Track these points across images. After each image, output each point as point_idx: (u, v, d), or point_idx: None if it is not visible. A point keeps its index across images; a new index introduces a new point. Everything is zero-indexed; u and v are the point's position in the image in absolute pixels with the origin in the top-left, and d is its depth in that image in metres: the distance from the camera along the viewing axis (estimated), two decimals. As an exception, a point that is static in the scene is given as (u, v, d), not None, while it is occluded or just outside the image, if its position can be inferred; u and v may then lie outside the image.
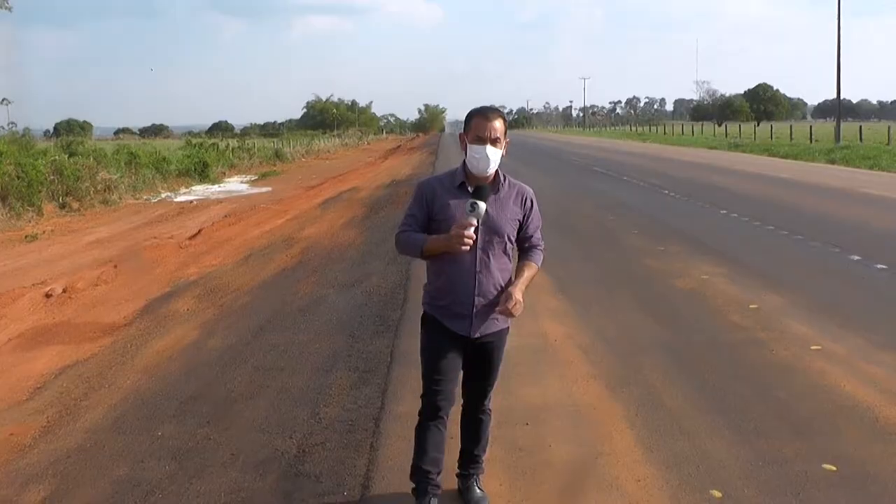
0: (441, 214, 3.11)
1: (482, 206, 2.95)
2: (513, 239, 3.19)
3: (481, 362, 3.27)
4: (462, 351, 3.20)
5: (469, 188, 3.08)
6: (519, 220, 3.19)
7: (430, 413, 3.24)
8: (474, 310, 3.12)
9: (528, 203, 3.21)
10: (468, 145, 3.09)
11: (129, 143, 36.25)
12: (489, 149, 3.04)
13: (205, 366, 5.73)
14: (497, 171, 3.13)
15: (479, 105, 3.15)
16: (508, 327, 3.30)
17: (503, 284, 3.15)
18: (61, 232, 15.11)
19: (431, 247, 3.06)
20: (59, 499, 3.74)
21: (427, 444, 3.25)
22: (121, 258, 10.85)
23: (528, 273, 3.18)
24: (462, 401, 3.39)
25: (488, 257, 3.11)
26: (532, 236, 3.26)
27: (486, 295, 3.12)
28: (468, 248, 2.97)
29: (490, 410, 3.43)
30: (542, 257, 3.27)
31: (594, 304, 7.17)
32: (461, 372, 3.26)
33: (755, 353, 5.57)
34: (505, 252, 3.16)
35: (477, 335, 3.17)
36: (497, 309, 3.08)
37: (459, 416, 3.44)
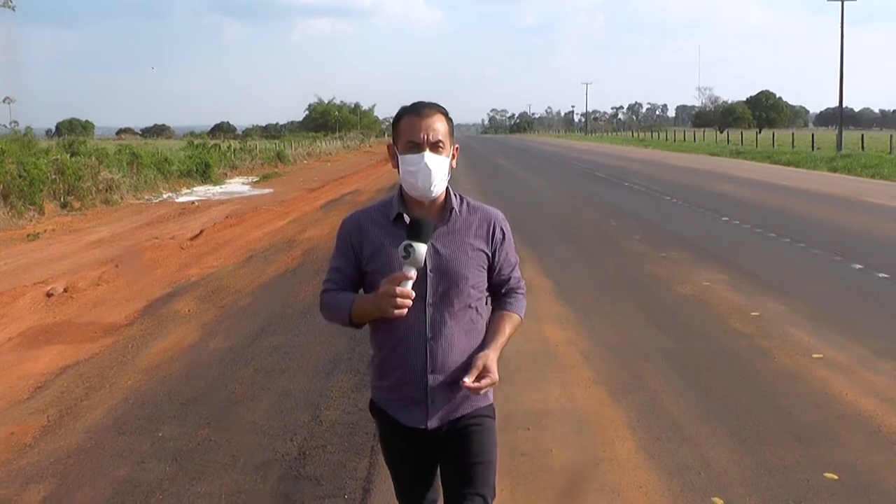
0: (373, 263, 2.23)
1: (420, 248, 2.06)
2: (480, 286, 2.28)
3: (455, 458, 2.28)
4: (427, 448, 2.30)
5: (407, 220, 2.19)
6: (486, 259, 2.27)
7: None
8: (429, 391, 2.22)
9: (498, 233, 2.29)
10: (399, 157, 2.22)
11: (131, 143, 36.26)
12: (429, 157, 2.17)
13: (206, 367, 5.73)
14: (449, 192, 2.27)
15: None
16: (491, 404, 2.33)
17: (471, 351, 2.23)
18: (63, 231, 15.10)
19: (359, 311, 2.20)
20: (59, 499, 3.74)
21: None
22: (122, 258, 10.84)
23: (504, 328, 2.28)
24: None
25: (444, 317, 2.21)
26: (510, 277, 2.34)
27: (445, 369, 2.21)
28: (403, 311, 2.08)
29: None
30: (524, 304, 2.37)
31: (596, 309, 7.16)
32: (436, 471, 2.36)
33: (757, 361, 5.56)
34: (470, 305, 2.25)
35: (437, 425, 2.24)
36: (462, 384, 2.14)
37: None
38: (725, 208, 14.97)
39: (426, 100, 2.27)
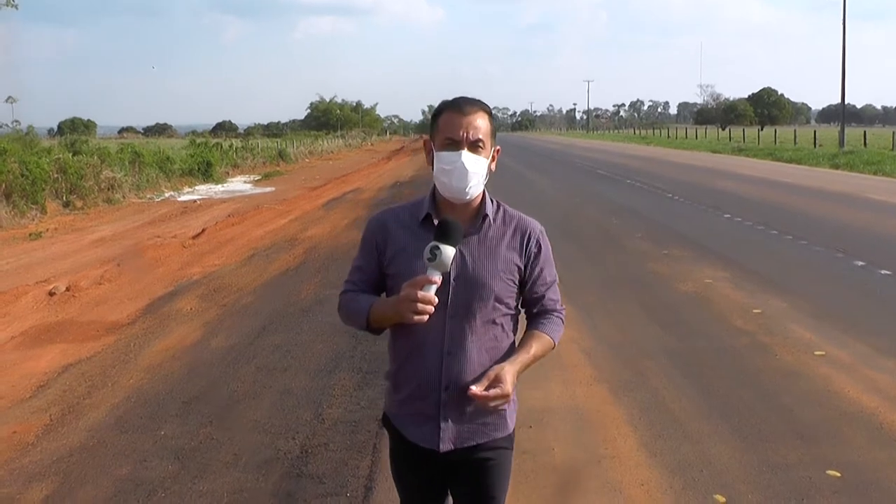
0: (395, 265, 2.09)
1: (448, 251, 1.93)
2: (509, 301, 2.11)
3: (468, 490, 2.16)
4: (438, 471, 2.15)
5: (436, 222, 2.03)
6: (518, 272, 2.11)
7: None
8: (442, 409, 2.06)
9: (533, 245, 2.13)
10: (435, 154, 2.06)
11: (133, 142, 36.29)
12: (466, 156, 2.00)
13: (208, 365, 5.74)
14: (485, 197, 2.11)
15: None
16: (510, 434, 2.20)
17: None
18: (65, 230, 15.12)
19: (378, 315, 2.07)
20: (61, 497, 3.75)
21: None
22: (124, 257, 10.85)
23: (530, 346, 2.12)
24: None
25: (464, 330, 2.05)
26: (543, 296, 2.18)
27: (461, 387, 2.03)
28: (424, 318, 1.94)
29: None
30: (559, 328, 2.21)
31: (597, 307, 7.16)
32: (445, 494, 2.24)
33: (759, 358, 5.56)
34: (495, 321, 2.09)
35: (450, 448, 2.08)
36: (469, 391, 2.00)
37: None
38: (727, 205, 14.95)
39: (467, 95, 2.10)
